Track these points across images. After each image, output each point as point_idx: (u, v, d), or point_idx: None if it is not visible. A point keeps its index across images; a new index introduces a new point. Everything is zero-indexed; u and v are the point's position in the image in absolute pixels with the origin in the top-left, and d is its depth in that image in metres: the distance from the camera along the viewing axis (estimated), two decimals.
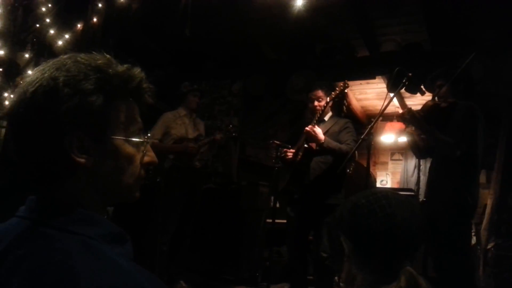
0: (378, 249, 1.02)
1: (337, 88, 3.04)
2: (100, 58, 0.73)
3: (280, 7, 3.40)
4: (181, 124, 3.82)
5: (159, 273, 3.23)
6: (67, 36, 3.80)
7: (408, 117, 2.68)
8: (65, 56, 0.73)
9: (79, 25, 3.88)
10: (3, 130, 3.92)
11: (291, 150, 3.20)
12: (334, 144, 2.99)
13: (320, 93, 3.19)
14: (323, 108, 3.09)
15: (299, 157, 3.10)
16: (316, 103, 3.19)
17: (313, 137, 2.96)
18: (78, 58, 0.72)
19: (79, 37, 3.81)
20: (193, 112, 3.96)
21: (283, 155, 3.16)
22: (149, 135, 0.80)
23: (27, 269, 0.60)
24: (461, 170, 2.53)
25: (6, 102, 3.63)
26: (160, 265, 3.24)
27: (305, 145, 3.05)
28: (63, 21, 3.81)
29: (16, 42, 3.77)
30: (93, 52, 0.74)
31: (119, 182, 0.74)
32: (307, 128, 2.97)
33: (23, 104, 0.68)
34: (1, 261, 0.62)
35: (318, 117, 3.06)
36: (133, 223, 3.97)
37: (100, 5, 3.75)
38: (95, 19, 3.87)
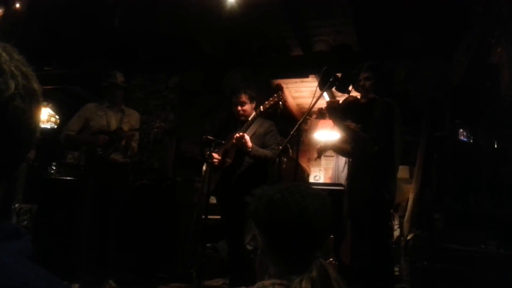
0: (292, 242, 1.05)
1: (271, 99, 3.09)
2: None
3: (215, 2, 3.40)
4: (102, 116, 3.60)
5: (83, 273, 3.08)
6: None
7: (326, 112, 2.80)
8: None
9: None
10: None
11: (218, 157, 3.21)
12: (260, 151, 3.07)
13: (243, 97, 3.20)
14: (253, 114, 3.15)
15: (229, 162, 3.13)
16: (239, 107, 3.21)
17: (242, 144, 3.01)
18: None
19: (0, 24, 3.56)
20: (119, 104, 3.74)
21: (210, 161, 3.14)
22: None
23: None
24: (377, 166, 2.64)
25: None
26: (79, 265, 3.07)
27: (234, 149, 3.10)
28: None
29: None
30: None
31: None
32: (237, 135, 3.01)
33: None
34: None
35: (248, 123, 3.11)
36: (58, 222, 3.80)
37: None
38: (17, 5, 3.64)
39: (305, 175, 4.75)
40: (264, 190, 1.15)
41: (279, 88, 3.15)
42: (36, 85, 0.68)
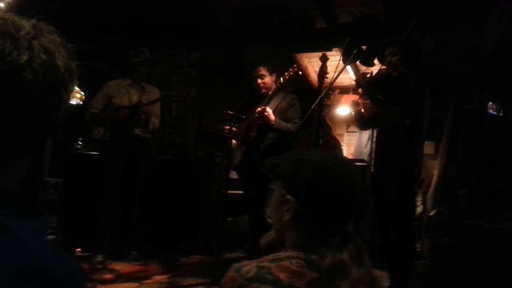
0: (333, 213, 0.99)
1: (290, 69, 3.04)
2: None
3: None
4: (124, 93, 3.66)
5: (107, 244, 3.17)
6: None
7: (363, 83, 2.75)
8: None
9: None
10: None
11: (234, 129, 3.20)
12: (283, 125, 3.08)
13: (262, 70, 3.19)
14: (274, 86, 3.11)
15: (253, 136, 3.13)
16: (259, 80, 3.19)
17: (265, 117, 2.99)
18: None
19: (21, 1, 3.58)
20: (141, 81, 3.79)
21: (230, 135, 3.14)
22: None
23: None
24: (406, 140, 2.62)
25: None
26: (103, 237, 3.16)
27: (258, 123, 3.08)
28: None
29: None
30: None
31: None
32: (259, 109, 2.99)
33: None
34: None
35: (269, 97, 3.09)
36: (84, 195, 3.90)
37: None
38: None
39: (338, 147, 4.72)
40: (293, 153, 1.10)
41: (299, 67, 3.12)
42: (60, 63, 0.64)
